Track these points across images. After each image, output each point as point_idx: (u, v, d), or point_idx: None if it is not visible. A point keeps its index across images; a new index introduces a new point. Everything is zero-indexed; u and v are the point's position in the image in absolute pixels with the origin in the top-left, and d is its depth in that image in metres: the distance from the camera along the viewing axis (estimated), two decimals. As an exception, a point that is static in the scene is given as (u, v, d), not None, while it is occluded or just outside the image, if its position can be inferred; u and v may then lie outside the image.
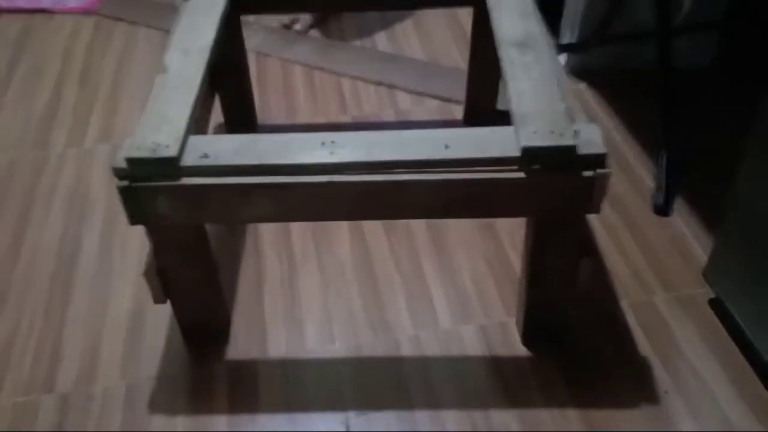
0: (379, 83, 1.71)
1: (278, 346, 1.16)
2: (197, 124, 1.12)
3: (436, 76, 1.73)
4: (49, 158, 1.54)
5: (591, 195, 0.92)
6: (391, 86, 1.70)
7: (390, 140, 0.96)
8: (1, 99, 1.73)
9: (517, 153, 0.91)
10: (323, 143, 0.96)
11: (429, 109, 1.63)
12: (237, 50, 1.44)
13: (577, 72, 1.69)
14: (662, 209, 1.34)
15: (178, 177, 0.94)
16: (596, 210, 0.94)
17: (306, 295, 1.23)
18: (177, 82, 1.07)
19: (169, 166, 0.94)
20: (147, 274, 1.05)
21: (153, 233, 1.02)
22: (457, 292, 1.22)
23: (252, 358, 1.14)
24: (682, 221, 1.33)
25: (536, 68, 1.04)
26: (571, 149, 0.90)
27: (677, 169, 1.39)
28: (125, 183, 0.94)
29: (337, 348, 1.15)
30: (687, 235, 1.31)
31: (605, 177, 0.91)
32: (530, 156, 0.91)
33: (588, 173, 0.91)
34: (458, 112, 1.61)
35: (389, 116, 1.62)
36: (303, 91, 1.70)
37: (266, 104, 1.67)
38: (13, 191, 1.47)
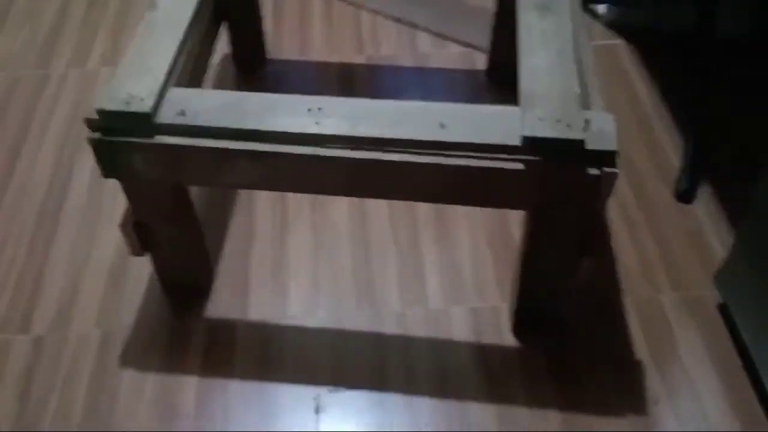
0: (398, 20, 1.60)
1: (260, 308, 1.11)
2: (196, 62, 1.04)
3: (460, 18, 1.60)
4: (51, 77, 1.49)
5: (596, 193, 0.84)
6: (411, 24, 1.59)
7: (382, 112, 0.87)
8: (6, 13, 1.65)
9: (517, 141, 0.82)
10: (309, 109, 0.88)
11: (450, 56, 1.52)
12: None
13: (616, 27, 1.55)
14: (684, 196, 1.22)
15: (151, 134, 0.88)
16: (600, 209, 0.85)
17: (295, 259, 1.17)
18: (165, 22, 0.99)
19: (142, 123, 0.87)
20: (123, 226, 1.00)
21: (127, 188, 0.97)
22: (453, 270, 1.15)
23: (232, 318, 1.10)
24: (704, 212, 1.21)
25: (555, 38, 0.94)
26: (578, 144, 0.81)
27: (706, 154, 1.27)
28: (97, 135, 0.89)
29: (320, 318, 1.10)
30: (707, 229, 1.19)
31: (612, 177, 0.81)
32: (531, 146, 0.82)
33: (594, 171, 0.82)
34: (481, 61, 1.49)
35: (407, 60, 1.51)
36: (319, 24, 1.60)
37: (279, 36, 1.57)
38: (10, 113, 1.42)
